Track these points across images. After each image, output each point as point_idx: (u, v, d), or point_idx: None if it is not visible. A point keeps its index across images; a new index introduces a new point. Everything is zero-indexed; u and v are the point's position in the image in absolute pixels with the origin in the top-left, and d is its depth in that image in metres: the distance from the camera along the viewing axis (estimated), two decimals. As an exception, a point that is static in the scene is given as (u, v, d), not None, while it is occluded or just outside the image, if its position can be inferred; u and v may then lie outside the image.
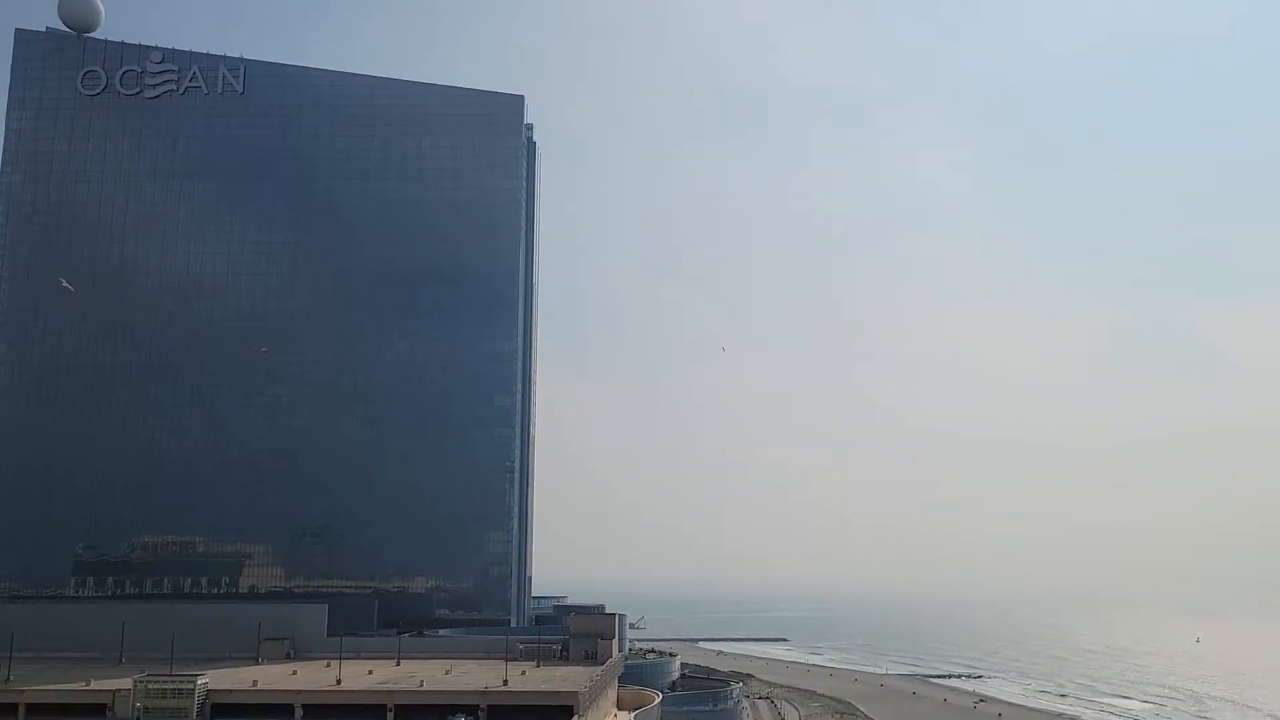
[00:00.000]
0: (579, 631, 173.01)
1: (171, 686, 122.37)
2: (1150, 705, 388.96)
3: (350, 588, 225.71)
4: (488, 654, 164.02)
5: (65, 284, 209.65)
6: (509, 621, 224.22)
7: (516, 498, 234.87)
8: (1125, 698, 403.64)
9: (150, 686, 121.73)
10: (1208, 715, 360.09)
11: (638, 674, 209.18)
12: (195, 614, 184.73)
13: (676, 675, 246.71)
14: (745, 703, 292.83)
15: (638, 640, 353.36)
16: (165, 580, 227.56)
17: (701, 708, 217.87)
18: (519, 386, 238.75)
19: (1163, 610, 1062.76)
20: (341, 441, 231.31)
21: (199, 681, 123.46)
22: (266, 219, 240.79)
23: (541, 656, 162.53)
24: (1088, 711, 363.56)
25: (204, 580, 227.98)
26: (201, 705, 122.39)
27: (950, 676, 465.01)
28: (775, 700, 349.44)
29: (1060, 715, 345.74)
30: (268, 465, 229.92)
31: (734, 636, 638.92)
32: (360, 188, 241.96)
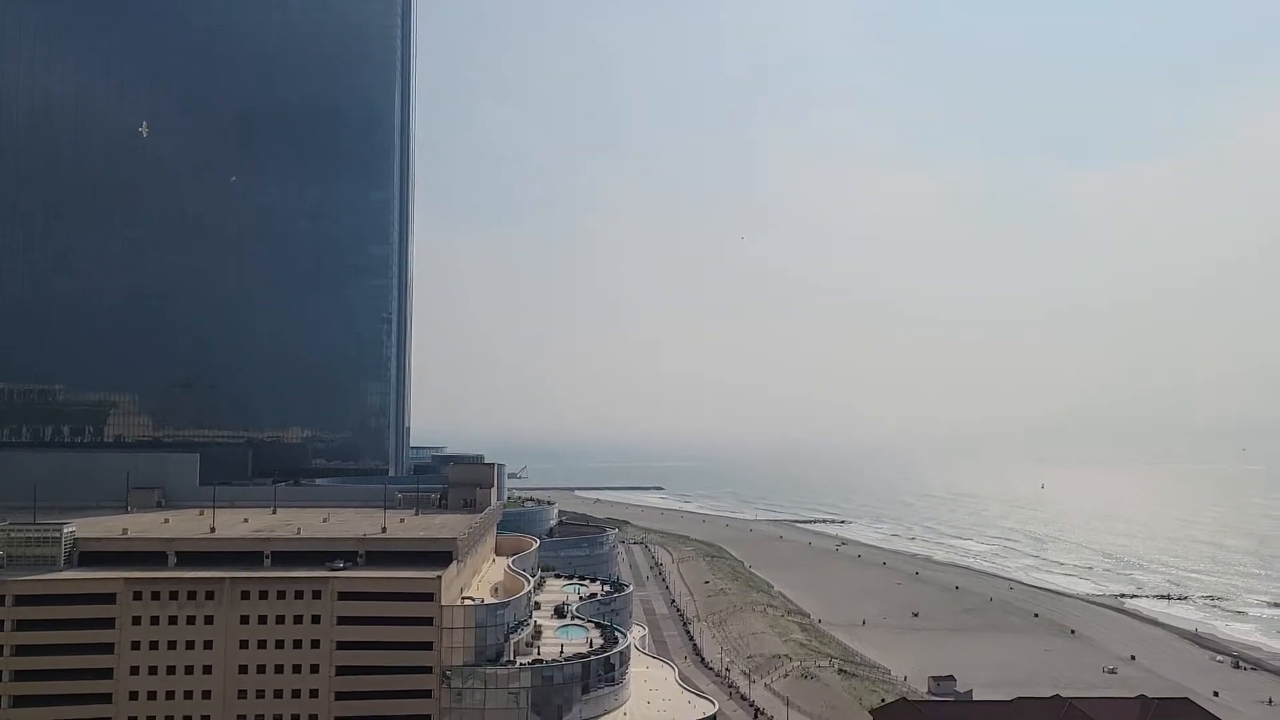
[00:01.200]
0: (457, 481, 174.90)
1: (37, 534, 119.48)
2: (991, 546, 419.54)
3: (223, 438, 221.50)
4: (366, 503, 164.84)
5: None
6: (387, 471, 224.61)
7: (394, 349, 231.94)
8: (970, 540, 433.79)
9: (14, 535, 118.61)
10: (1045, 553, 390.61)
11: (516, 521, 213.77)
12: (58, 463, 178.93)
13: (554, 522, 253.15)
14: (620, 548, 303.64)
15: (517, 489, 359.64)
16: (24, 429, 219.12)
17: (578, 552, 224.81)
18: (395, 235, 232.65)
19: (1015, 460, 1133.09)
20: (209, 289, 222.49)
21: (65, 530, 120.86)
22: (122, 50, 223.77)
23: (420, 505, 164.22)
24: (937, 551, 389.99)
25: (66, 429, 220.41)
26: (69, 553, 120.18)
27: (814, 522, 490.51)
28: (649, 545, 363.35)
29: (914, 556, 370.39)
30: (128, 312, 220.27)
31: (611, 485, 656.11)
32: (222, 16, 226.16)
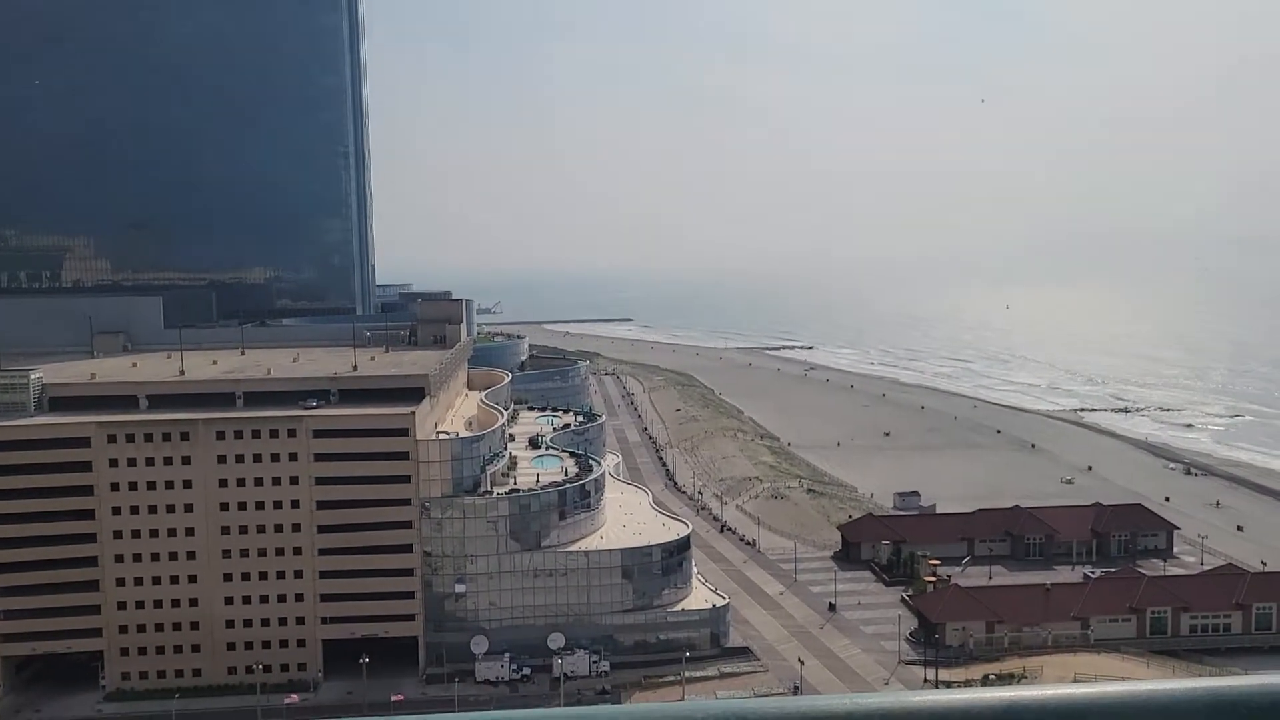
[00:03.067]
0: (426, 317, 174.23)
1: (4, 381, 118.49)
2: (959, 363, 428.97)
3: (184, 280, 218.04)
4: (334, 342, 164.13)
5: None
6: (354, 310, 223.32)
7: (353, 184, 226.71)
8: (936, 361, 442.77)
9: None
10: (1010, 372, 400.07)
11: (487, 356, 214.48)
12: (17, 309, 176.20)
13: (525, 356, 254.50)
14: (592, 379, 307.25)
15: (486, 324, 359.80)
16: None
17: (550, 385, 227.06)
18: (347, 64, 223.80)
19: (984, 281, 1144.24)
20: (154, 125, 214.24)
21: (32, 375, 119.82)
22: None
23: (389, 342, 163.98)
24: (904, 373, 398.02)
25: (22, 275, 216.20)
26: (39, 398, 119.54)
27: (783, 348, 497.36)
28: (621, 376, 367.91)
29: (881, 379, 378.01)
30: (72, 153, 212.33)
31: (581, 318, 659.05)
32: None
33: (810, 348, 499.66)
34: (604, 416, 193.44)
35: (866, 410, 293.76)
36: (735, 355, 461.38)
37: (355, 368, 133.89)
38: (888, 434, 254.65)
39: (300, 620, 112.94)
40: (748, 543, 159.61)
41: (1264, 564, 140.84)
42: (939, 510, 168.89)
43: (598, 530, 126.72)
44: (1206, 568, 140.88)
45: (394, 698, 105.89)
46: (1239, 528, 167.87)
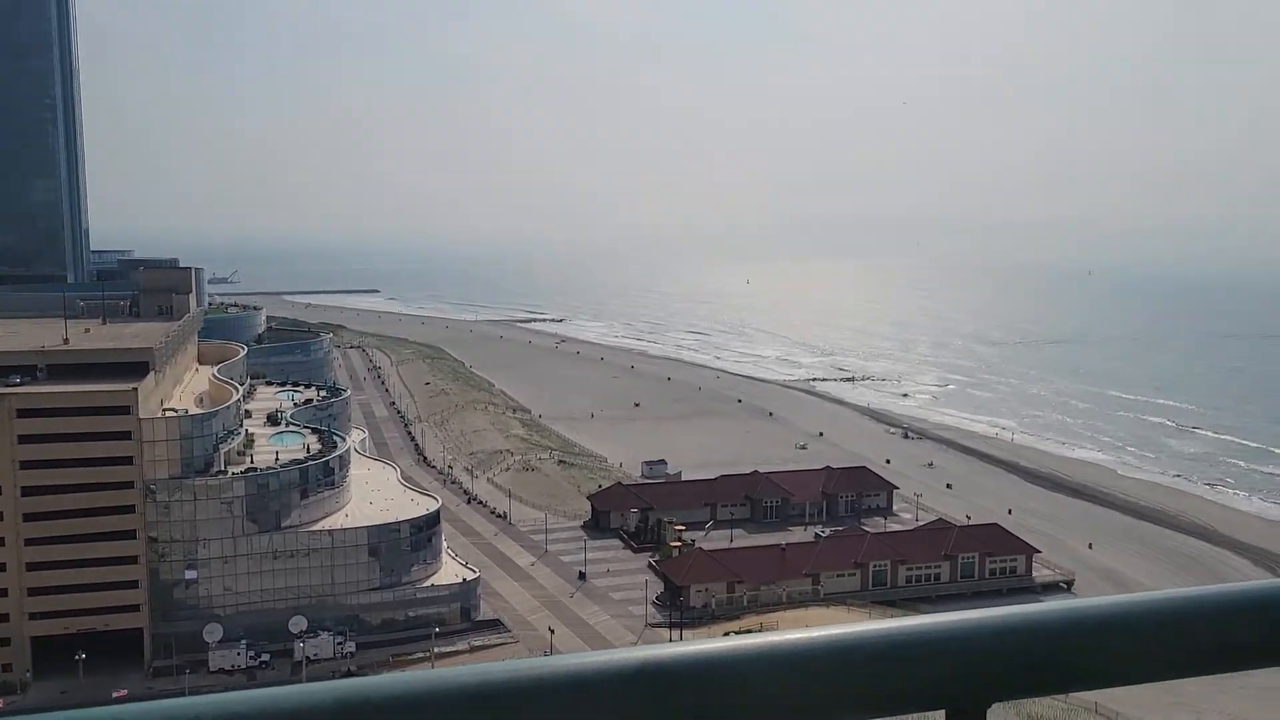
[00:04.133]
0: (150, 287, 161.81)
1: None
2: (700, 336, 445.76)
3: None
4: (42, 313, 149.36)
5: None
6: (66, 278, 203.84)
7: (62, 140, 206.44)
8: (680, 332, 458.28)
9: None
10: (750, 344, 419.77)
11: (221, 328, 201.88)
12: None
13: (263, 328, 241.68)
14: (336, 352, 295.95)
15: (220, 294, 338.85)
16: None
17: (290, 358, 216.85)
18: (53, 10, 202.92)
19: (724, 259, 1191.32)
20: None
21: None
22: None
23: (107, 314, 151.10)
24: (651, 346, 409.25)
25: None
26: None
27: (533, 321, 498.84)
28: (367, 349, 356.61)
29: (629, 351, 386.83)
30: None
31: (324, 289, 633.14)
32: None
33: (560, 320, 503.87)
34: (349, 391, 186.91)
35: (616, 382, 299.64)
36: (486, 328, 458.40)
37: (66, 341, 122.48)
38: (638, 404, 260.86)
39: (4, 618, 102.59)
40: (498, 515, 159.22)
41: (969, 517, 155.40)
42: (685, 478, 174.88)
43: (343, 508, 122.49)
44: (921, 523, 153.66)
45: (116, 694, 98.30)
46: (948, 485, 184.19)
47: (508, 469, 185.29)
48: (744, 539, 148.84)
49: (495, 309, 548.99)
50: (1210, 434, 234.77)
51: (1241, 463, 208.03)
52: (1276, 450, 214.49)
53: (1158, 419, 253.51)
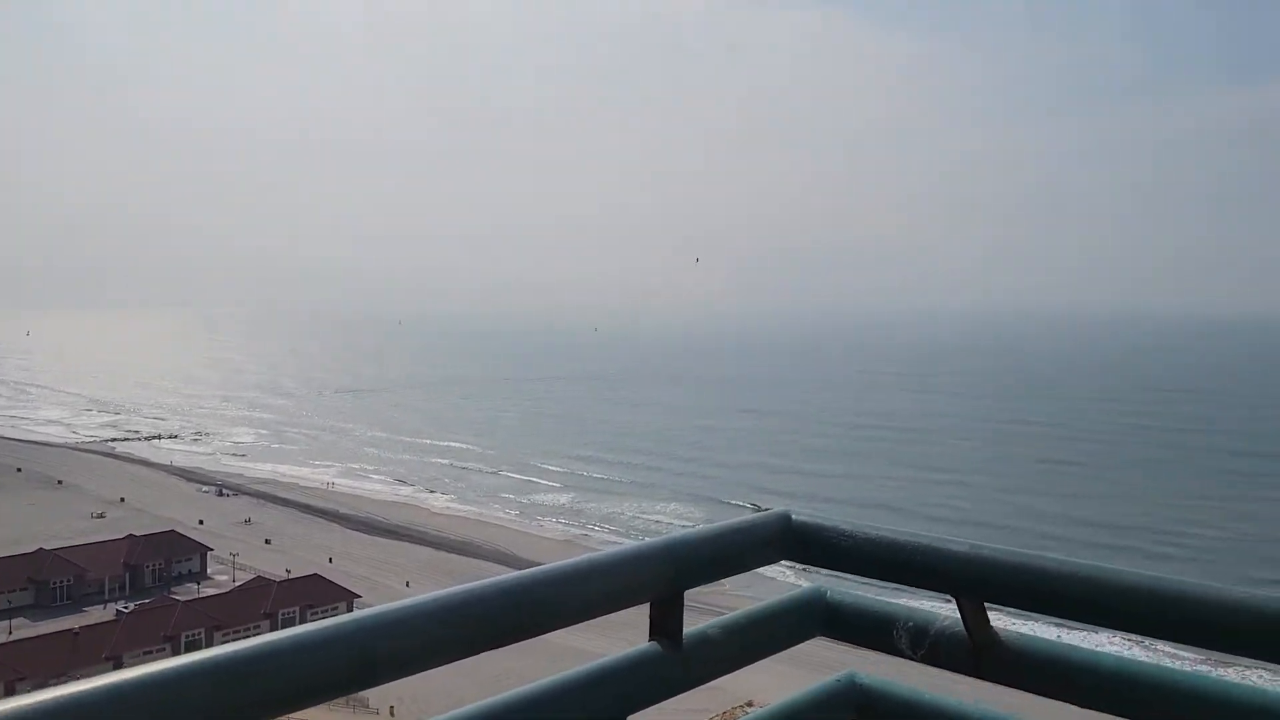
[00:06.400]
0: None
1: None
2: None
3: None
4: None
5: None
6: None
7: None
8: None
9: None
10: (32, 406, 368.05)
11: None
12: None
13: None
14: None
15: None
16: None
17: None
18: None
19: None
20: None
21: None
22: None
23: None
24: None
25: None
26: None
27: None
28: None
29: None
30: None
31: None
32: None
33: None
34: None
35: None
36: None
37: None
38: None
39: None
40: None
41: (289, 571, 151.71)
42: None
43: None
44: (238, 583, 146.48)
45: None
46: (267, 541, 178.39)
47: None
48: (28, 628, 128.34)
49: None
50: (512, 472, 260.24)
51: (519, 494, 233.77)
52: (540, 481, 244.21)
53: (447, 460, 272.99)
